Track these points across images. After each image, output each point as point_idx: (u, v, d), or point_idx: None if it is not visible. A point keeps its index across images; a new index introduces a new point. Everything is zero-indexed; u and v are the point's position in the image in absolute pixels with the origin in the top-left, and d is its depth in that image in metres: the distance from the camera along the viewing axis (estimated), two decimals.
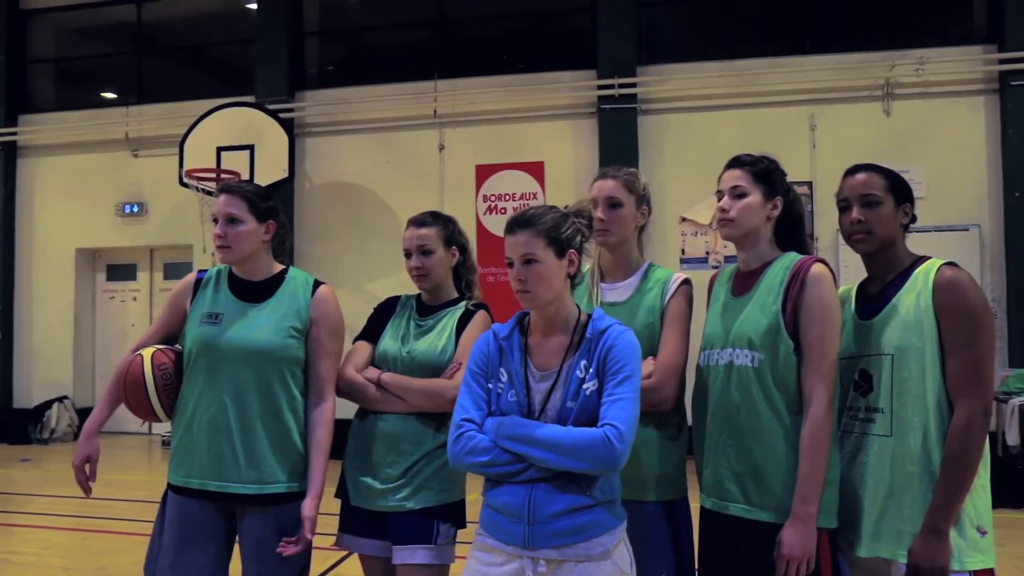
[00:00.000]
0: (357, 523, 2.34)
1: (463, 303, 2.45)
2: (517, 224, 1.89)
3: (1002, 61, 7.41)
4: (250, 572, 2.23)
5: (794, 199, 2.15)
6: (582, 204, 2.04)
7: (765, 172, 2.09)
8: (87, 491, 2.34)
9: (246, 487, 2.20)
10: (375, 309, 2.54)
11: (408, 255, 2.44)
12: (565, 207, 1.97)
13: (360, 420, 2.39)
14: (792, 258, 2.04)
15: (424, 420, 2.29)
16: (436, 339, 2.36)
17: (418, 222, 2.46)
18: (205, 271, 2.43)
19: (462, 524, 2.35)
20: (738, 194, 2.06)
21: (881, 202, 2.02)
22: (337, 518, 2.42)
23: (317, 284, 2.38)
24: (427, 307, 2.46)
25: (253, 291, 2.33)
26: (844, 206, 2.08)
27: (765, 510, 1.94)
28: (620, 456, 1.75)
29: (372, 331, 2.47)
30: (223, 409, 2.21)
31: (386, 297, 2.58)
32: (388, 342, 2.40)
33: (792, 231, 2.15)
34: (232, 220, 2.28)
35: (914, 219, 2.08)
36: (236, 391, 2.22)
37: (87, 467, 2.33)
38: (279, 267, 2.40)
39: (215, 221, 2.30)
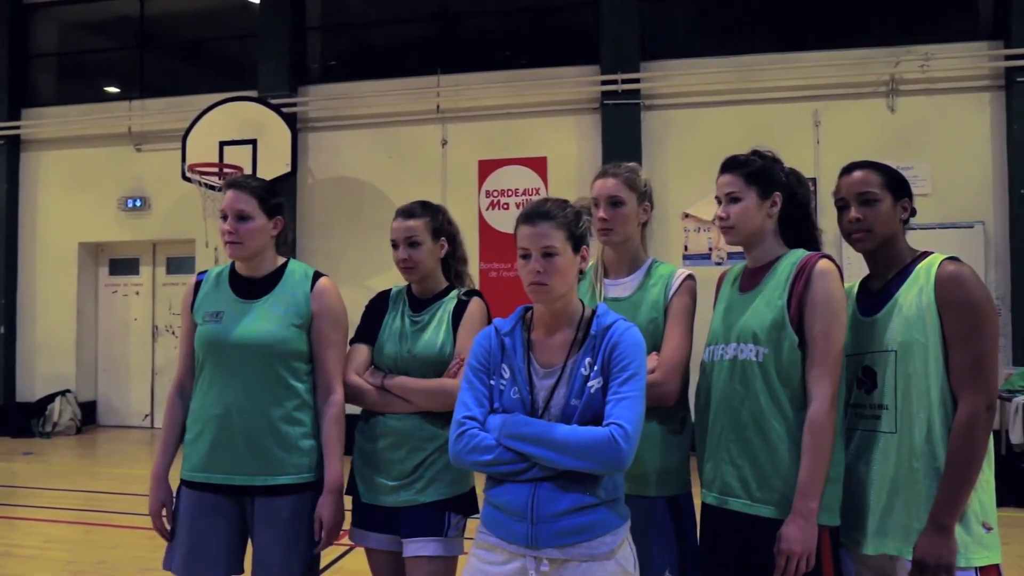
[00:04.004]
0: (367, 518, 2.34)
1: (454, 292, 2.43)
2: (538, 215, 1.85)
3: (1008, 57, 7.38)
4: (260, 563, 2.24)
5: (794, 191, 2.13)
6: (584, 202, 2.03)
7: (757, 172, 2.07)
8: (169, 538, 2.31)
9: (253, 479, 2.22)
10: (367, 307, 2.50)
11: (395, 246, 2.41)
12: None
13: (367, 419, 2.38)
14: (799, 254, 2.04)
15: (432, 416, 2.28)
16: (434, 335, 2.34)
17: (406, 213, 2.43)
18: (204, 273, 2.43)
19: (475, 510, 2.33)
20: (733, 199, 2.06)
21: (879, 199, 2.02)
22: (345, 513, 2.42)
23: (317, 276, 2.37)
24: (419, 301, 2.43)
25: (253, 287, 2.34)
26: (842, 205, 2.08)
27: (766, 505, 1.93)
28: (626, 456, 1.73)
29: (368, 331, 2.43)
30: (227, 404, 2.23)
31: (376, 293, 2.55)
32: (386, 341, 2.38)
33: (797, 221, 2.14)
34: (242, 217, 2.28)
35: (914, 213, 2.08)
36: (238, 386, 2.24)
37: (164, 512, 2.32)
38: (280, 260, 2.40)
39: (224, 217, 2.30)
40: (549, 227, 1.83)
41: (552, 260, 1.82)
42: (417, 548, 2.23)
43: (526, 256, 1.85)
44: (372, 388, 2.32)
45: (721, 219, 2.08)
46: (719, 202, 2.10)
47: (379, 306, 2.47)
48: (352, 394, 2.35)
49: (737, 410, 1.99)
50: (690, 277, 2.24)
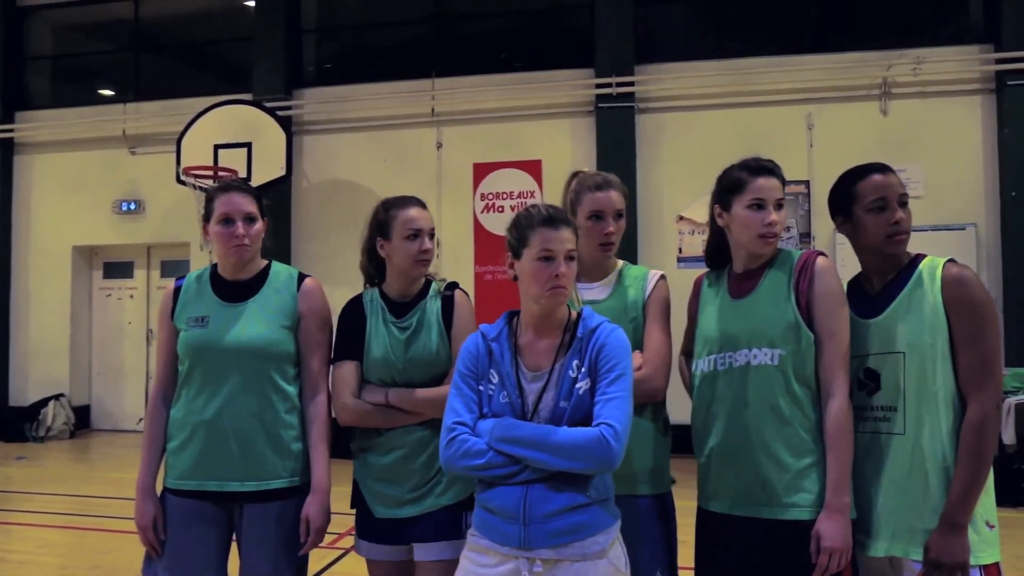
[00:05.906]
0: (377, 530, 2.28)
1: (433, 288, 2.34)
2: (561, 220, 1.89)
3: (999, 60, 7.42)
4: (248, 568, 2.22)
5: None
6: None
7: (784, 180, 2.11)
8: (159, 552, 2.23)
9: (244, 485, 2.21)
10: (341, 320, 2.35)
11: (415, 237, 2.27)
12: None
13: (374, 435, 2.27)
14: (794, 254, 2.07)
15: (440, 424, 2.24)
16: (427, 338, 2.26)
17: (421, 203, 2.35)
18: (183, 279, 2.39)
19: None
20: (781, 205, 2.06)
21: (907, 201, 2.04)
22: (339, 517, 2.40)
23: (302, 277, 2.36)
24: (398, 304, 2.31)
25: (238, 290, 2.31)
26: (880, 206, 2.01)
27: (796, 508, 1.92)
28: (617, 455, 1.75)
29: (351, 347, 2.29)
30: (218, 410, 2.21)
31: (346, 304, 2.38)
32: (377, 353, 2.26)
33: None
34: (251, 218, 2.28)
35: None
36: (229, 390, 2.22)
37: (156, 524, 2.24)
38: (264, 262, 2.39)
39: (228, 221, 2.26)
40: (571, 232, 1.89)
41: (572, 264, 1.88)
42: (430, 552, 2.19)
43: (548, 259, 1.85)
44: (374, 408, 2.23)
45: (772, 224, 2.03)
46: (759, 206, 2.03)
47: (355, 317, 2.32)
48: (357, 418, 2.25)
49: (754, 415, 1.98)
50: (663, 277, 2.30)
